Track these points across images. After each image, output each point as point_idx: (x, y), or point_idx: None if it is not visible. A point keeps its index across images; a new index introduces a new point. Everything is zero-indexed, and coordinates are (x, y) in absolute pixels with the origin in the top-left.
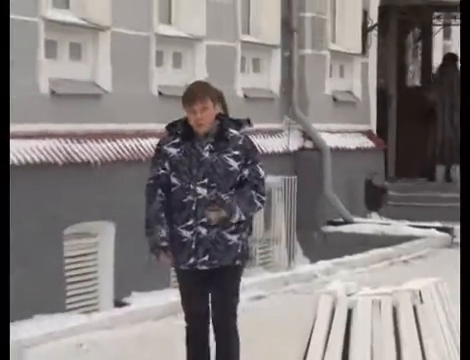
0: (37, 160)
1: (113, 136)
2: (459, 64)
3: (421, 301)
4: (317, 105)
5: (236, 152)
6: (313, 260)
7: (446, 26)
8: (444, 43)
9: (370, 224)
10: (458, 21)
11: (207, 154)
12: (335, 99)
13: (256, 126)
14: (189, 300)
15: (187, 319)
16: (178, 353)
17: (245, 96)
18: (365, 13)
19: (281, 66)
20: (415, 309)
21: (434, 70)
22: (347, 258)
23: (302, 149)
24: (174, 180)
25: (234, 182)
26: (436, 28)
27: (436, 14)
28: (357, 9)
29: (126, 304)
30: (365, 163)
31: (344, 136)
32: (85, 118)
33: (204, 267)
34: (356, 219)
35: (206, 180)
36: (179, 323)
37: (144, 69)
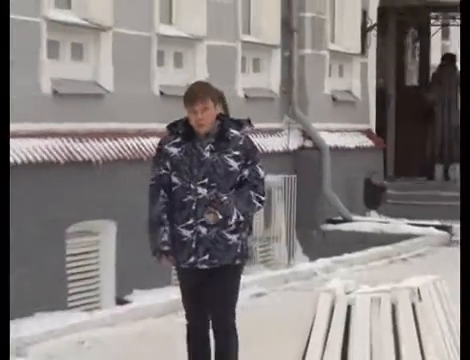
0: (39, 159)
1: (115, 135)
2: (457, 64)
3: (420, 299)
4: (317, 105)
5: (236, 152)
6: (313, 258)
7: (444, 26)
8: (442, 43)
9: (369, 222)
10: (457, 21)
11: (208, 154)
12: (334, 99)
13: (256, 125)
14: (189, 298)
15: (188, 317)
16: (179, 350)
17: (245, 96)
18: (364, 13)
19: (281, 66)
20: (414, 307)
21: (432, 70)
22: (346, 256)
23: (302, 148)
24: (175, 179)
25: (234, 182)
26: (434, 28)
27: (434, 14)
28: (356, 9)
29: (127, 302)
30: (364, 162)
31: (343, 135)
32: (87, 117)
33: (204, 266)
34: (355, 217)
35: (206, 180)
36: (180, 320)
37: (145, 69)
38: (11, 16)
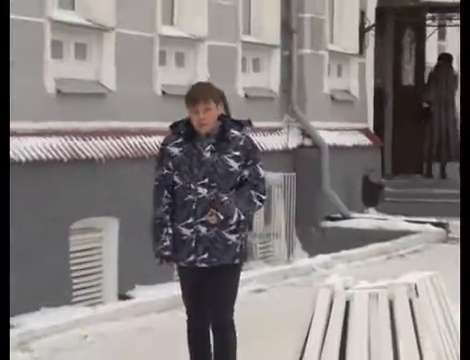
0: (43, 157)
1: (117, 134)
2: (453, 64)
3: (417, 294)
4: (316, 104)
5: (237, 153)
6: (312, 254)
7: (441, 27)
8: (439, 44)
9: (367, 219)
10: (453, 22)
11: (208, 154)
12: (333, 98)
13: (256, 124)
14: (189, 296)
15: (188, 313)
16: (181, 345)
17: (246, 95)
18: (362, 14)
19: (281, 66)
20: (411, 302)
21: (428, 70)
22: (345, 252)
23: (301, 146)
24: (176, 179)
25: (234, 182)
26: (431, 29)
27: (430, 15)
28: (354, 10)
29: (130, 297)
30: (362, 160)
31: (342, 134)
32: (90, 116)
33: (203, 265)
34: (354, 214)
35: (207, 180)
36: (182, 315)
37: (148, 69)
38: (15, 17)
